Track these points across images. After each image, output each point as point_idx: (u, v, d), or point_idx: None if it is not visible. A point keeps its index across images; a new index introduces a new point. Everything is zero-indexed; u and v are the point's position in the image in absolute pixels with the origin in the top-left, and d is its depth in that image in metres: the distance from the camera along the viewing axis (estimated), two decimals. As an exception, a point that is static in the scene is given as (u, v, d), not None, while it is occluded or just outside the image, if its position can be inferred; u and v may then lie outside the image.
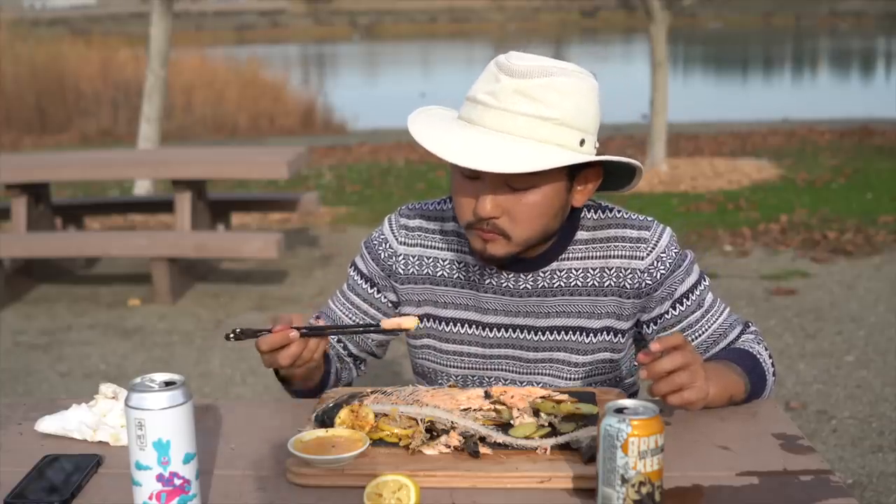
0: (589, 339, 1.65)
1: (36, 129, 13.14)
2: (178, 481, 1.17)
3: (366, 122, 14.27)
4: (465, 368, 1.71)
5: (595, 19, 46.01)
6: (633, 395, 1.82)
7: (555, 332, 1.65)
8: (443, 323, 1.70)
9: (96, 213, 6.94)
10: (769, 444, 1.42)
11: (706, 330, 1.66)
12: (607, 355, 1.67)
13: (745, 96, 18.19)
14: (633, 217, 1.65)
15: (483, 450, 1.34)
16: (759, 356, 1.62)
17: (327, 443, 1.35)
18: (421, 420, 1.39)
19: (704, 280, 1.68)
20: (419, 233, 1.71)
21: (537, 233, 1.55)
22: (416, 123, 1.54)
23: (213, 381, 4.16)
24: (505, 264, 1.63)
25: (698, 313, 1.66)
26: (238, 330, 1.51)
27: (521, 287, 1.65)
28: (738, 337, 1.67)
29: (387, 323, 1.56)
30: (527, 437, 1.36)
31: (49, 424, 1.49)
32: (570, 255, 1.64)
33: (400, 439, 1.38)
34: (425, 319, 1.72)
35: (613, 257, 1.62)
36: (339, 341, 1.78)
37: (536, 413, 1.44)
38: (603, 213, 1.66)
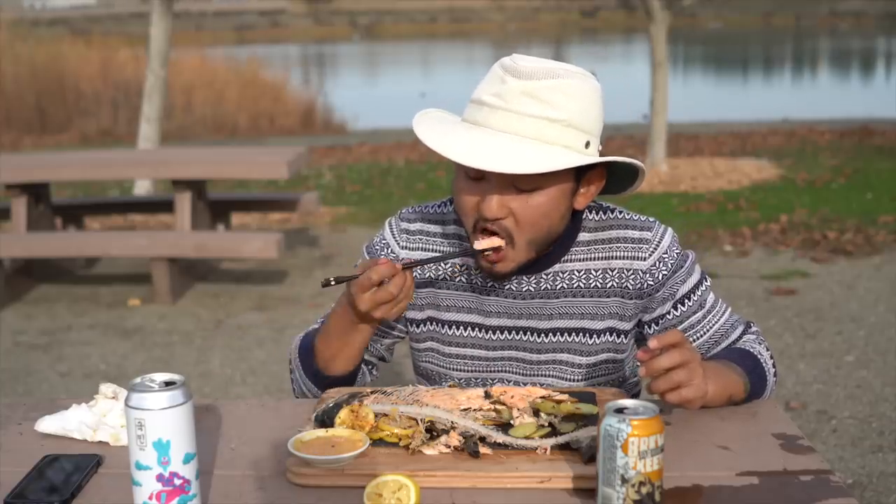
0: (592, 340, 1.65)
1: (36, 129, 13.14)
2: (178, 481, 1.17)
3: (366, 122, 14.27)
4: (468, 371, 1.71)
5: (595, 19, 46.00)
6: (634, 396, 1.82)
7: (558, 333, 1.65)
8: (445, 326, 1.70)
9: (96, 213, 6.94)
10: (769, 444, 1.42)
11: (707, 331, 1.66)
12: (610, 356, 1.67)
13: (745, 96, 18.19)
14: (635, 218, 1.65)
15: (483, 450, 1.34)
16: (759, 356, 1.62)
17: (327, 443, 1.35)
18: (421, 420, 1.39)
19: (706, 281, 1.68)
20: (420, 236, 1.71)
21: (541, 235, 1.55)
22: (421, 125, 1.54)
23: (213, 381, 4.16)
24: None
25: (700, 314, 1.66)
26: (333, 278, 1.50)
27: (525, 289, 1.65)
28: (740, 337, 1.67)
29: (479, 244, 1.55)
30: (527, 437, 1.36)
31: (49, 424, 1.49)
32: (573, 256, 1.64)
33: (400, 439, 1.38)
34: (428, 323, 1.72)
35: (616, 258, 1.63)
36: None
37: (536, 413, 1.44)
38: (605, 213, 1.66)
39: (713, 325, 1.66)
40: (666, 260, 1.63)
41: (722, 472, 1.32)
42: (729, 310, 1.70)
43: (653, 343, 1.36)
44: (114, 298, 5.51)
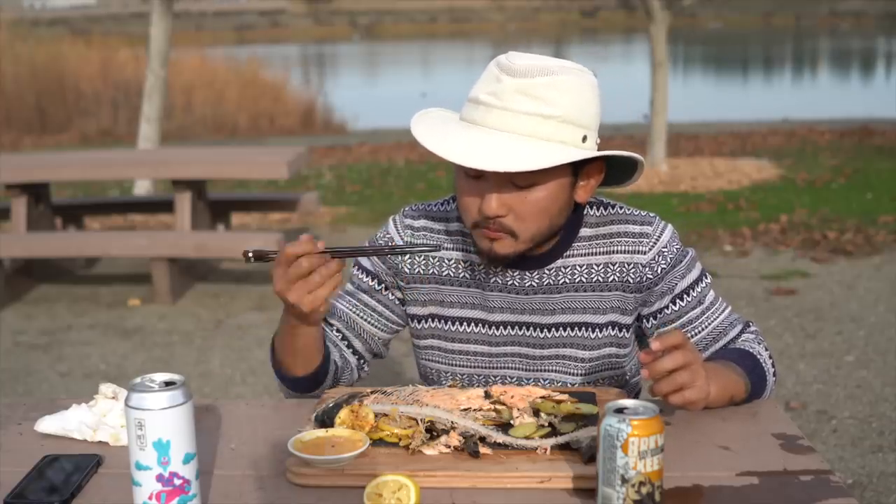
0: (595, 334, 1.66)
1: (36, 129, 13.14)
2: (178, 481, 1.17)
3: (366, 122, 14.27)
4: (471, 367, 1.71)
5: (595, 19, 46.01)
6: (636, 395, 1.82)
7: (560, 328, 1.66)
8: (448, 322, 1.71)
9: (96, 213, 6.94)
10: (769, 444, 1.42)
11: (706, 327, 1.66)
12: (613, 350, 1.68)
13: (745, 96, 18.19)
14: (636, 213, 1.67)
15: (483, 450, 1.34)
16: (759, 356, 1.62)
17: (327, 443, 1.35)
18: (421, 420, 1.39)
19: (706, 278, 1.69)
20: (424, 232, 1.72)
21: (543, 229, 1.56)
22: (418, 125, 1.55)
23: (213, 381, 4.16)
24: (510, 262, 1.63)
25: (698, 310, 1.66)
26: (252, 251, 1.45)
27: (527, 285, 1.66)
28: (738, 336, 1.67)
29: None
30: (527, 437, 1.36)
31: (49, 424, 1.49)
32: (575, 251, 1.65)
33: (400, 439, 1.38)
34: (431, 319, 1.72)
35: (616, 252, 1.64)
36: (343, 339, 1.75)
37: (536, 413, 1.44)
38: (605, 209, 1.67)
39: (711, 321, 1.66)
40: (665, 254, 1.64)
41: (722, 472, 1.32)
42: (729, 308, 1.70)
43: (655, 345, 1.36)
44: (114, 298, 5.51)
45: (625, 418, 1.13)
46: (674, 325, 1.65)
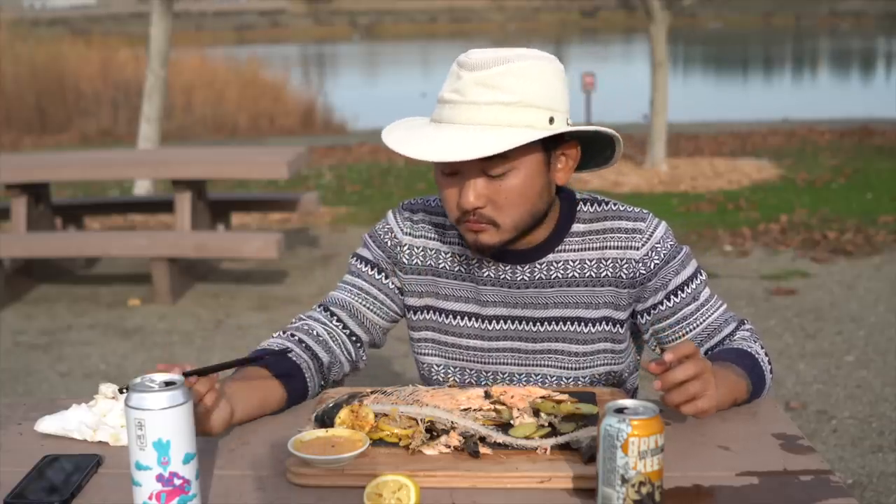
0: (588, 328, 1.66)
1: (36, 129, 13.14)
2: (178, 481, 1.17)
3: (366, 122, 14.26)
4: (465, 361, 1.72)
5: (595, 19, 46.02)
6: (633, 394, 1.82)
7: (553, 322, 1.67)
8: (443, 315, 1.72)
9: (96, 213, 6.94)
10: (769, 444, 1.42)
11: (700, 324, 1.66)
12: (608, 345, 1.68)
13: (745, 96, 18.19)
14: (629, 209, 1.67)
15: (483, 450, 1.34)
16: (756, 355, 1.62)
17: (327, 443, 1.35)
18: (421, 420, 1.39)
19: (701, 275, 1.69)
20: (423, 224, 1.74)
21: (525, 216, 1.57)
22: (390, 133, 1.58)
23: (213, 381, 4.16)
24: (502, 256, 1.65)
25: (693, 306, 1.66)
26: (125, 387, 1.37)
27: (519, 279, 1.67)
28: (733, 333, 1.67)
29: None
30: (527, 437, 1.36)
31: (49, 424, 1.49)
32: (567, 246, 1.66)
33: (400, 439, 1.38)
34: (426, 311, 1.73)
35: (609, 248, 1.65)
36: (344, 328, 1.73)
37: (536, 413, 1.44)
38: (599, 205, 1.68)
39: (706, 318, 1.67)
40: (659, 249, 1.64)
41: (722, 472, 1.32)
42: (724, 306, 1.71)
43: (667, 356, 1.36)
44: (114, 298, 5.51)
45: (625, 418, 1.13)
46: (668, 321, 1.66)
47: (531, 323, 1.68)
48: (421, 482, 1.25)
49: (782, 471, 1.33)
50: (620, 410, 1.15)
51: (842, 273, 5.54)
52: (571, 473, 1.28)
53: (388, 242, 1.74)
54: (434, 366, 1.75)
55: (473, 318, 1.70)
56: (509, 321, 1.68)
